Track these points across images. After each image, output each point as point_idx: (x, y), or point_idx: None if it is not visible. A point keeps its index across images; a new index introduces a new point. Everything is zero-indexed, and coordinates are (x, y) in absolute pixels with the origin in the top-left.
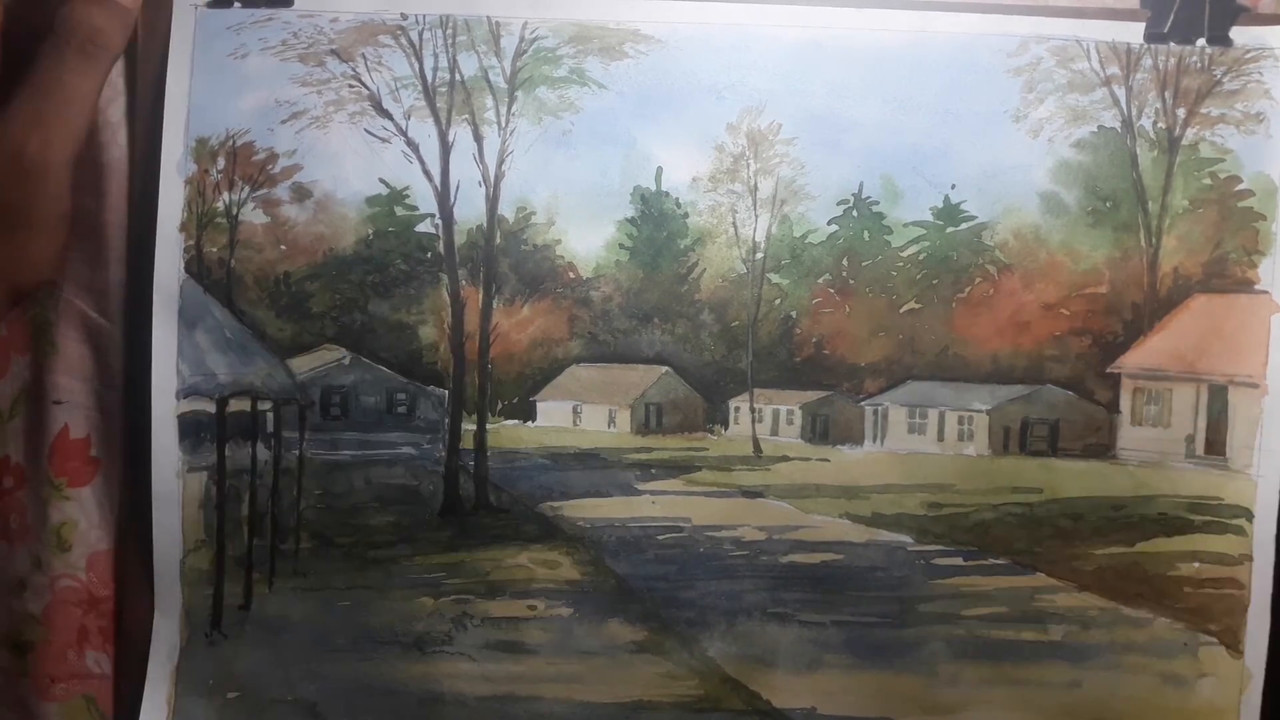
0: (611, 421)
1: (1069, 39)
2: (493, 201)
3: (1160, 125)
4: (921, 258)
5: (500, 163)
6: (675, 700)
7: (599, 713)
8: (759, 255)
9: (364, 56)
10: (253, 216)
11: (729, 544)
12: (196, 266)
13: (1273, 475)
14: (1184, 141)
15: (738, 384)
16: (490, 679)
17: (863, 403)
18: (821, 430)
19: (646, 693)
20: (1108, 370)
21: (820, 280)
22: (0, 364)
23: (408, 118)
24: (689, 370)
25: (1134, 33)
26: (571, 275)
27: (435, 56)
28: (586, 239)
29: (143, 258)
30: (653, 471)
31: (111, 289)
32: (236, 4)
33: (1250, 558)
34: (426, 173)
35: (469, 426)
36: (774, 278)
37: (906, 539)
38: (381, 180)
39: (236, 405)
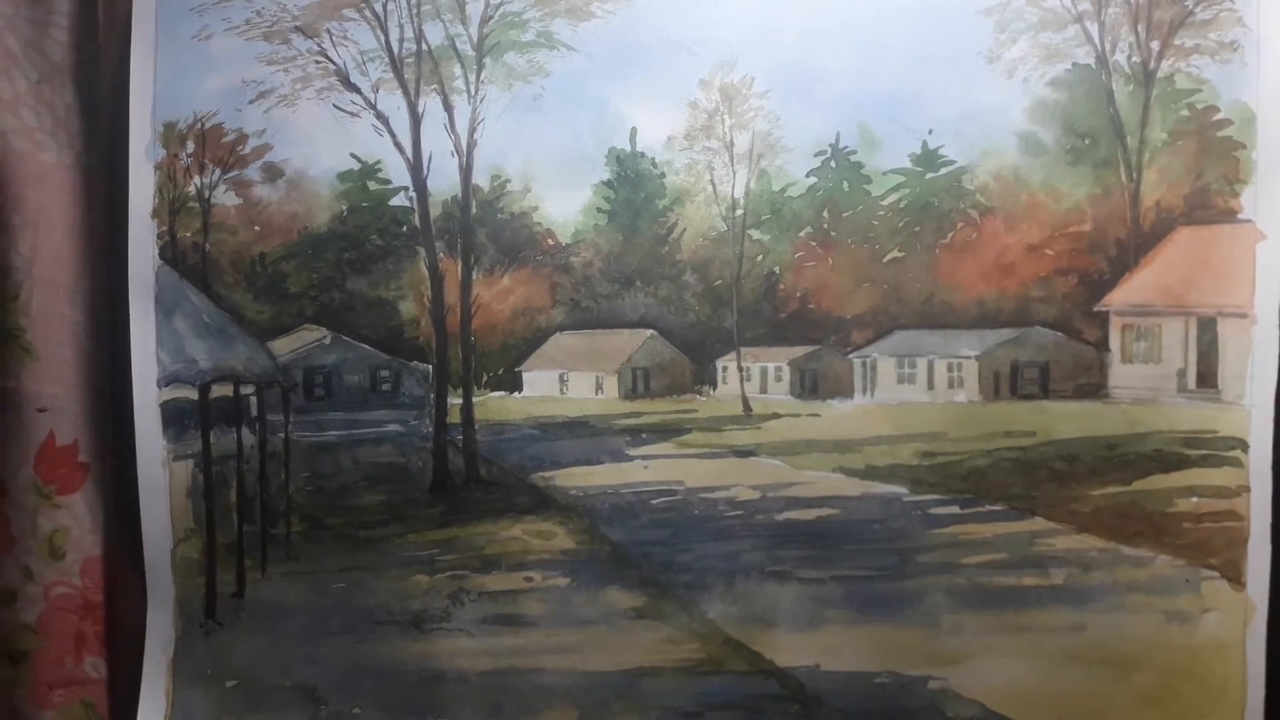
0: (599, 388)
1: None
2: (466, 171)
3: (1135, 59)
4: (902, 205)
5: (472, 131)
6: (677, 665)
7: (601, 681)
8: (739, 212)
9: (329, 31)
10: (225, 199)
11: (723, 505)
12: (171, 252)
13: (1265, 404)
14: (1159, 74)
15: (724, 343)
16: (490, 653)
17: (851, 355)
18: (810, 385)
19: (648, 659)
20: (1095, 309)
21: (802, 234)
22: None
23: (376, 91)
24: (674, 332)
25: None
26: (550, 242)
27: (401, 27)
28: (563, 204)
29: (116, 247)
30: (643, 436)
31: (86, 283)
32: None
33: (1248, 488)
34: (398, 145)
35: (455, 400)
36: (755, 234)
37: (902, 490)
38: (353, 155)
39: (219, 391)
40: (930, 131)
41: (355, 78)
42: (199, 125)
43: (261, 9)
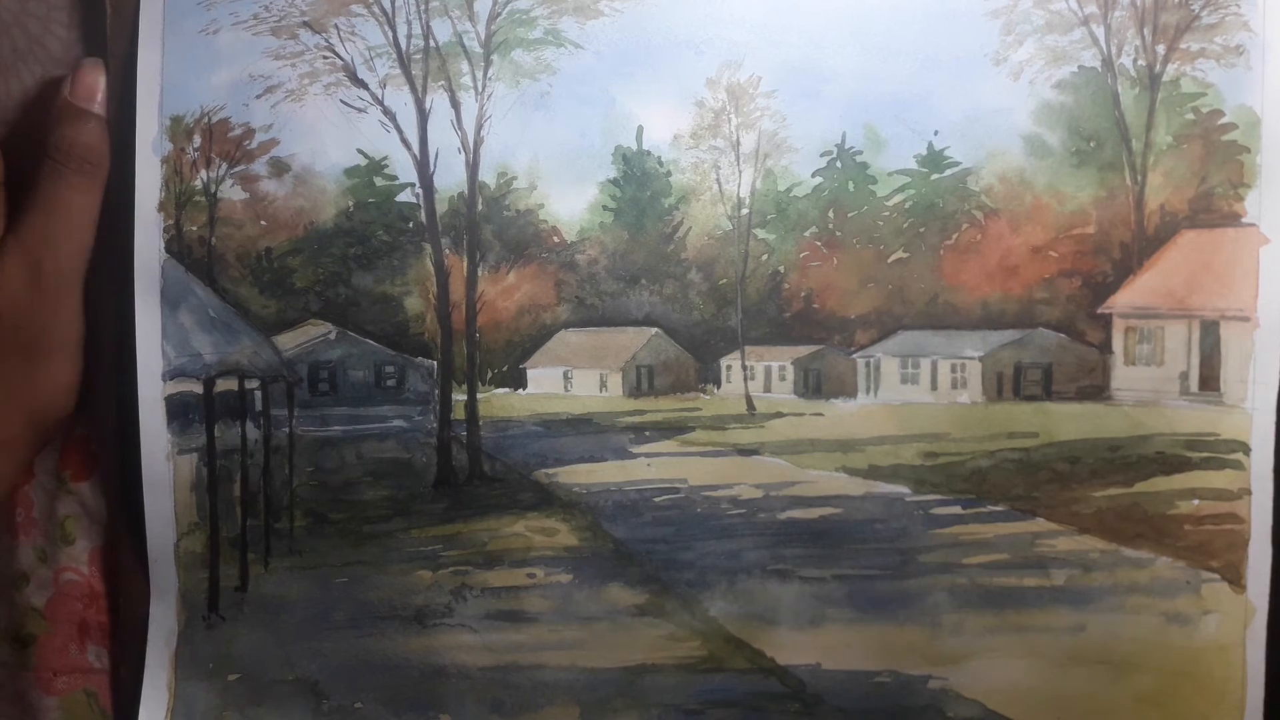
0: (603, 385)
1: None
2: (473, 168)
3: (1140, 62)
4: (907, 206)
5: (479, 128)
6: (679, 662)
7: (602, 678)
8: (744, 211)
9: (337, 27)
10: (231, 193)
11: (726, 503)
12: (177, 246)
13: (1267, 408)
14: (1165, 78)
15: (728, 342)
16: (492, 649)
17: (854, 355)
18: (814, 385)
19: (649, 656)
20: (1098, 311)
21: (807, 234)
22: None
23: (383, 87)
24: (679, 330)
25: None
26: (556, 239)
27: (409, 24)
28: (569, 202)
29: (122, 240)
30: (646, 434)
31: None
32: None
33: (1249, 491)
34: (405, 141)
35: (459, 397)
36: (760, 233)
37: (904, 490)
38: (360, 151)
39: (224, 385)
40: (936, 133)
41: (363, 73)
42: (206, 119)
43: (269, 4)
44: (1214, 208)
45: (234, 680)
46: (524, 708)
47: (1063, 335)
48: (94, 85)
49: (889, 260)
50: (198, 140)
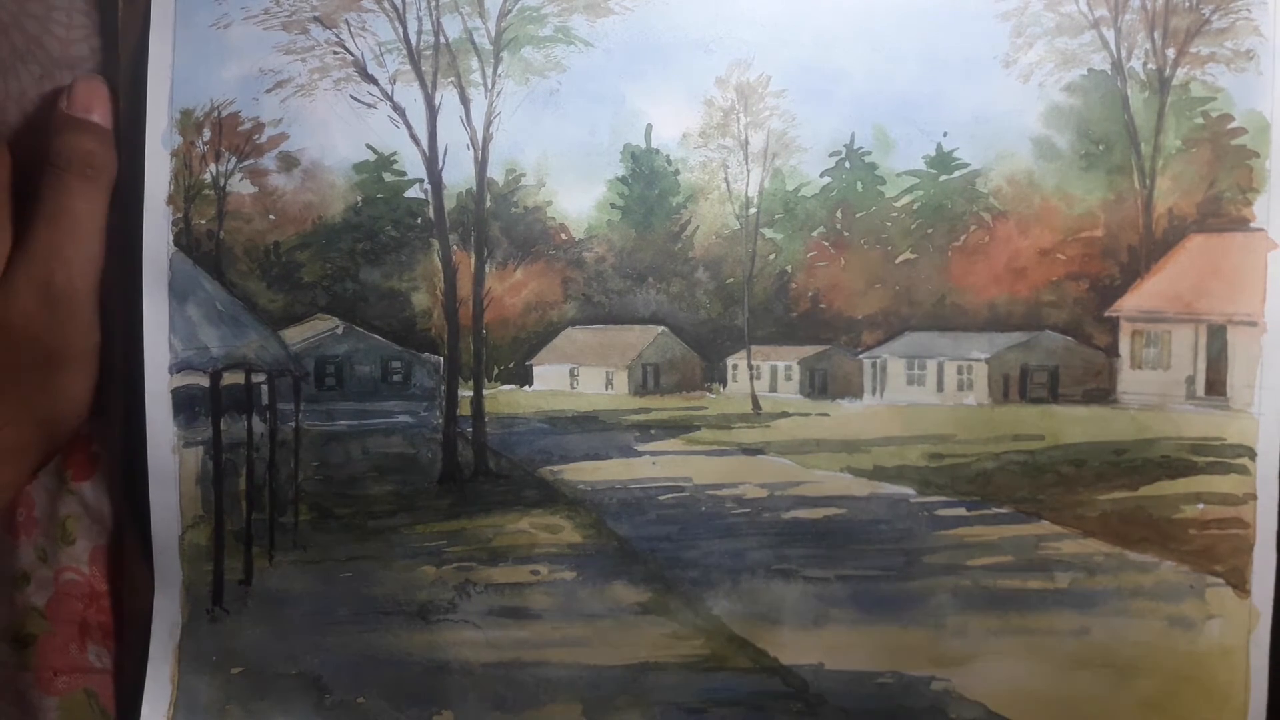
0: (609, 383)
1: None
2: (481, 164)
3: (1150, 66)
4: (916, 207)
5: (488, 125)
6: (682, 660)
7: (605, 675)
8: (752, 210)
9: (347, 22)
10: (240, 187)
11: (731, 502)
12: (185, 239)
13: (1274, 413)
14: (1175, 81)
15: (735, 341)
16: (495, 645)
17: (861, 356)
18: (820, 385)
19: (653, 654)
20: (1106, 314)
21: (814, 233)
22: None
23: (393, 82)
24: (685, 329)
25: None
26: (563, 237)
27: (419, 20)
28: (577, 199)
29: (130, 232)
30: (652, 432)
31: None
32: None
33: (1254, 496)
34: (414, 137)
35: (465, 393)
36: (768, 232)
37: (909, 491)
38: (369, 146)
39: (230, 378)
40: (945, 134)
41: (373, 69)
42: (216, 113)
43: None
44: (1222, 212)
45: (237, 674)
46: (527, 704)
47: (1069, 338)
48: (90, 97)
49: (896, 261)
50: (207, 134)
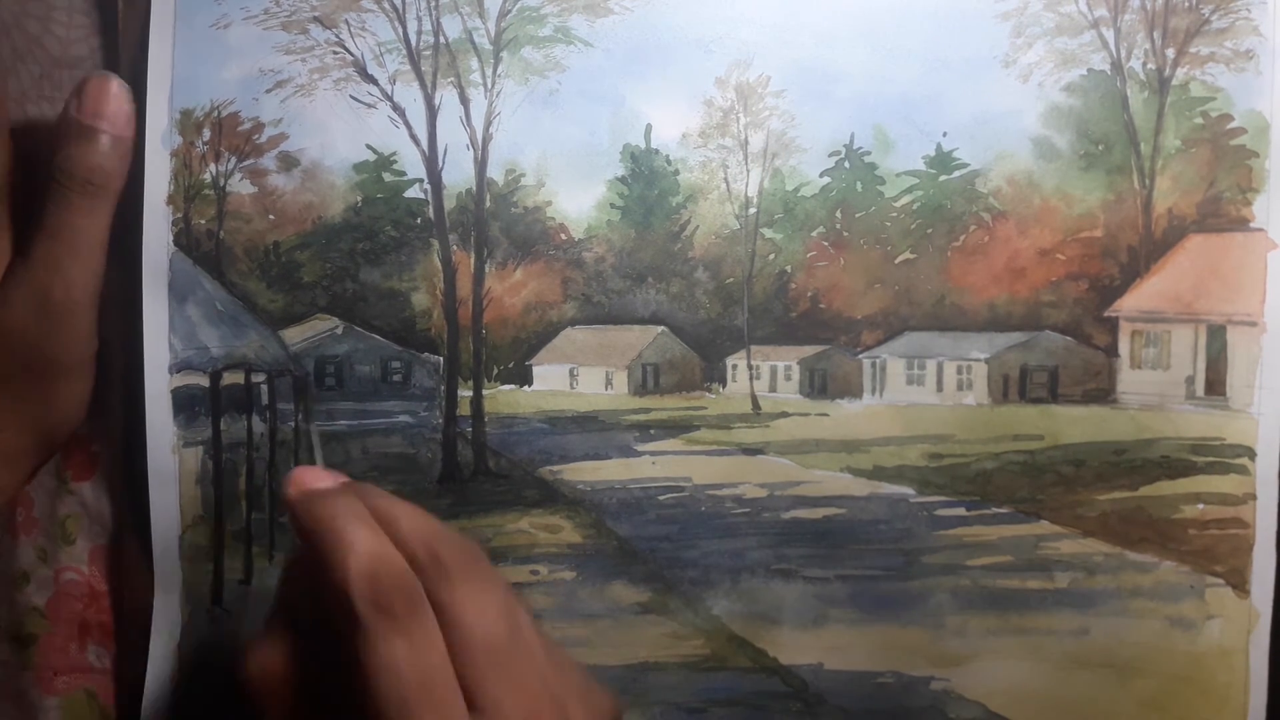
0: (609, 383)
1: None
2: (481, 164)
3: (1150, 66)
4: (915, 207)
5: (488, 125)
6: (682, 660)
7: (606, 675)
8: (752, 210)
9: (347, 22)
10: (240, 187)
11: (730, 502)
12: (185, 239)
13: (1273, 413)
14: (1174, 81)
15: (734, 341)
16: None
17: (860, 356)
18: (820, 385)
19: (653, 654)
20: (1105, 314)
21: (814, 233)
22: None
23: (393, 82)
24: (685, 329)
25: None
26: (563, 237)
27: (419, 20)
28: (577, 199)
29: (130, 232)
30: (652, 432)
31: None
32: None
33: (1254, 496)
34: (414, 137)
35: (465, 393)
36: (767, 232)
37: (909, 491)
38: (368, 146)
39: (230, 378)
40: (945, 134)
41: (372, 69)
42: (215, 113)
43: None
44: (1222, 212)
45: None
46: None
47: (1069, 338)
48: (101, 100)
49: (896, 261)
50: (207, 134)
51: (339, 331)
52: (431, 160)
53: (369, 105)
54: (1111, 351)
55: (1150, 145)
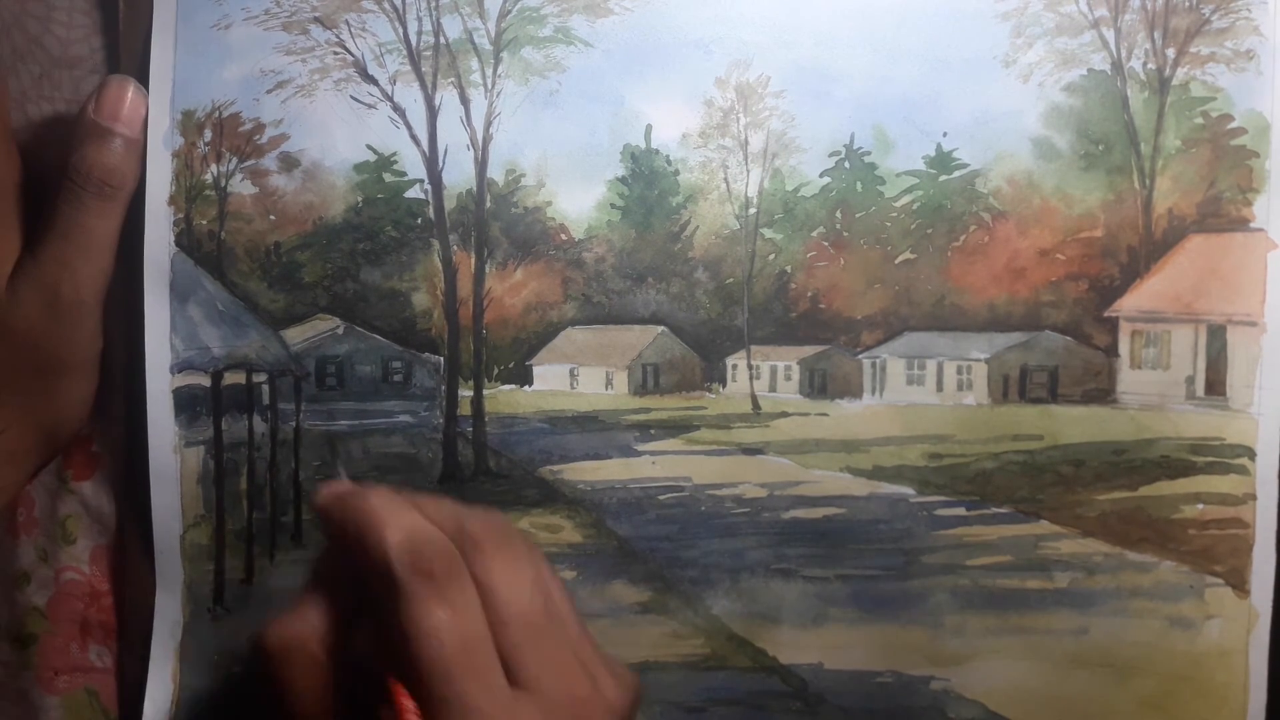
0: (609, 383)
1: None
2: (481, 165)
3: (1150, 66)
4: (915, 207)
5: (488, 125)
6: (682, 660)
7: None
8: (752, 210)
9: (347, 23)
10: (241, 188)
11: (730, 502)
12: (187, 240)
13: (1273, 413)
14: (1174, 81)
15: (734, 341)
16: None
17: (860, 356)
18: (820, 385)
19: (653, 653)
20: (1105, 314)
21: (814, 234)
22: None
23: (393, 83)
24: (685, 329)
25: None
26: (563, 237)
27: (419, 20)
28: (577, 200)
29: (132, 233)
30: (652, 432)
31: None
32: None
33: (1254, 496)
34: (414, 138)
35: (466, 393)
36: (767, 233)
37: (908, 491)
38: (369, 147)
39: (231, 378)
40: (945, 134)
41: (373, 69)
42: (217, 114)
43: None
44: (1222, 212)
45: (238, 672)
46: None
47: (1069, 338)
48: (119, 103)
49: (896, 261)
50: (208, 134)
51: (340, 332)
52: (432, 161)
53: (369, 106)
54: (1111, 351)
55: (1150, 145)
